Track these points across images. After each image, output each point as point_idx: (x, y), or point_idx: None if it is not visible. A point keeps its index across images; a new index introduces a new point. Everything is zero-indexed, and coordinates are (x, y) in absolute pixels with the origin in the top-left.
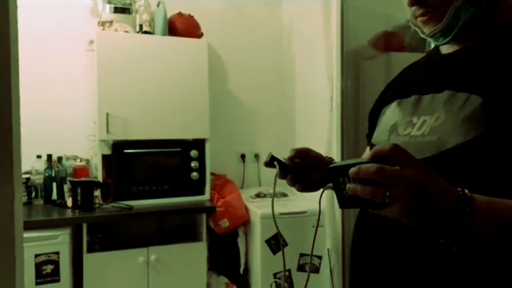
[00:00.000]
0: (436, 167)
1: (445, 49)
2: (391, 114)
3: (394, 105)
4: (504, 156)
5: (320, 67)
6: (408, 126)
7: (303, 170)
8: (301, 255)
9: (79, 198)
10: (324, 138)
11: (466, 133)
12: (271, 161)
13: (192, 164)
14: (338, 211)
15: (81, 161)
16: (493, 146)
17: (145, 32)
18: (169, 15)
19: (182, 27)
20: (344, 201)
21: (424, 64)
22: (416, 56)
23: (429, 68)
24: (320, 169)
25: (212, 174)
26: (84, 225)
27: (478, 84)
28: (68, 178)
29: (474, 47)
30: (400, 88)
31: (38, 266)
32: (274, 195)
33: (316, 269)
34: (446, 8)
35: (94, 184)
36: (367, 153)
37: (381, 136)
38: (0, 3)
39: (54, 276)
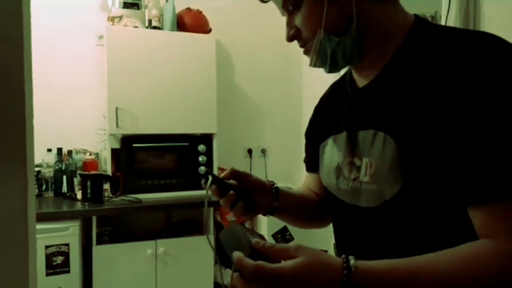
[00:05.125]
0: (381, 217)
1: (359, 80)
2: (331, 153)
3: (330, 142)
4: (429, 203)
5: None
6: (352, 168)
7: (244, 191)
8: None
9: (88, 191)
10: None
11: (395, 183)
12: (206, 175)
13: (200, 159)
14: None
15: (90, 154)
16: (419, 194)
17: (154, 28)
18: (177, 10)
19: (190, 22)
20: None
21: (345, 97)
22: None
23: (351, 103)
24: (261, 194)
25: (219, 168)
26: (94, 218)
27: (390, 124)
28: (78, 172)
29: (384, 77)
30: (330, 123)
31: (49, 257)
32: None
33: None
34: (313, 41)
35: (104, 178)
36: (307, 181)
37: (329, 178)
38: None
39: (64, 267)
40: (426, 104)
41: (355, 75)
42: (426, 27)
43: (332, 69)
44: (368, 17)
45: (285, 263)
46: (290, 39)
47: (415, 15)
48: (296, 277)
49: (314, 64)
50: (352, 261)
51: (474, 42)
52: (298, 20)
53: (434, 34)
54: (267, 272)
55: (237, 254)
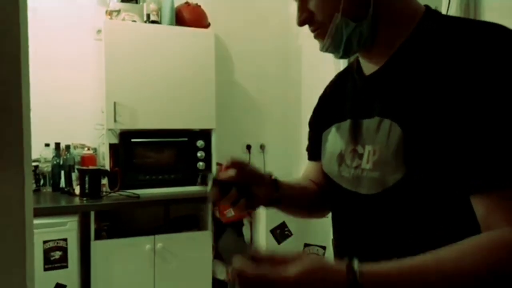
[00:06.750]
0: (380, 204)
1: (367, 67)
2: (334, 141)
3: (333, 130)
4: (431, 191)
5: (327, 58)
6: (355, 156)
7: (244, 187)
8: (306, 245)
9: (86, 186)
10: None
11: (398, 169)
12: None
13: (198, 154)
14: None
15: (88, 149)
16: (421, 181)
17: (153, 22)
18: (176, 4)
19: (189, 16)
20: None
21: (351, 85)
22: None
23: (357, 91)
24: (261, 187)
25: (217, 164)
26: (92, 213)
27: (397, 111)
28: (76, 166)
29: (393, 64)
30: (334, 111)
31: (47, 252)
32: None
33: None
34: (328, 25)
35: (102, 173)
36: (307, 170)
37: (331, 165)
38: None
39: (62, 262)
40: (434, 92)
41: (362, 63)
42: (437, 17)
43: (345, 54)
44: (384, 2)
45: (288, 270)
46: (301, 23)
47: (426, 5)
48: (300, 283)
49: (326, 49)
50: (355, 265)
51: (482, 32)
52: (312, 4)
53: (444, 23)
54: (270, 279)
55: (238, 262)
